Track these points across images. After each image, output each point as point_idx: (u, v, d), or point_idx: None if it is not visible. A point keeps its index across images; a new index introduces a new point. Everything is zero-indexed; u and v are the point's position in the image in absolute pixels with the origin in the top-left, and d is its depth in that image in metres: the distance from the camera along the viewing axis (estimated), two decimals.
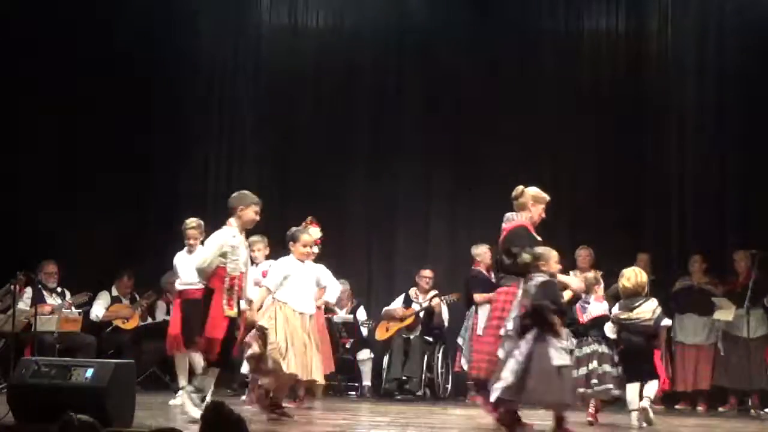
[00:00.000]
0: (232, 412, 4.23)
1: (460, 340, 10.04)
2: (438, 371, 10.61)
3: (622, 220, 10.99)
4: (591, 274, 8.73)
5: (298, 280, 7.75)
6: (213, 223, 11.70)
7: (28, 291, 9.88)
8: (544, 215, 7.54)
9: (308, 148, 11.78)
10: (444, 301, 10.64)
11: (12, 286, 9.51)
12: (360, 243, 11.64)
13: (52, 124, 11.09)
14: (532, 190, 7.52)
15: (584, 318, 8.10)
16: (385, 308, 10.94)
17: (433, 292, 10.78)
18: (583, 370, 7.84)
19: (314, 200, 11.66)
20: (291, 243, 7.92)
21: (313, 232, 8.46)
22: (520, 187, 7.53)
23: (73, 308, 10.13)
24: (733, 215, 11.03)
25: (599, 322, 8.05)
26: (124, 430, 6.55)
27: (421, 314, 10.69)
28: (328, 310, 10.99)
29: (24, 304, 9.82)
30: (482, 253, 10.26)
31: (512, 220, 7.46)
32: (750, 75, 11.08)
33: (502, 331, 7.01)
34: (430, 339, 10.72)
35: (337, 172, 11.69)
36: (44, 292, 10.09)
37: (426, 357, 10.53)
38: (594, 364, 7.91)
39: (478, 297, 9.42)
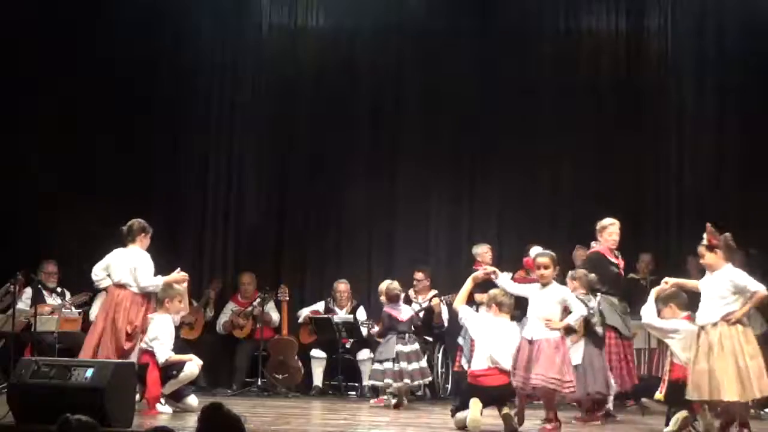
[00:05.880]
0: (230, 413, 4.24)
1: (461, 340, 10.02)
2: (438, 371, 10.61)
3: (622, 220, 10.97)
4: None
5: None
6: (212, 223, 11.84)
7: (28, 291, 9.89)
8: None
9: (308, 148, 11.79)
10: (444, 301, 10.64)
11: (12, 286, 9.53)
12: (360, 243, 11.64)
13: (52, 125, 11.09)
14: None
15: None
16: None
17: (433, 292, 10.78)
18: None
19: (314, 200, 11.71)
20: None
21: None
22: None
23: (73, 308, 10.12)
24: (732, 215, 11.02)
25: None
26: (124, 430, 6.57)
27: (421, 314, 10.68)
28: (328, 309, 11.03)
29: (24, 304, 9.83)
30: (482, 252, 10.26)
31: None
32: (749, 75, 11.09)
33: None
34: (430, 339, 10.72)
35: (337, 172, 11.70)
36: (44, 292, 10.10)
37: (426, 357, 10.51)
38: None
39: (478, 297, 9.40)
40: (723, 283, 6.97)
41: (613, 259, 8.91)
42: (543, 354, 7.19)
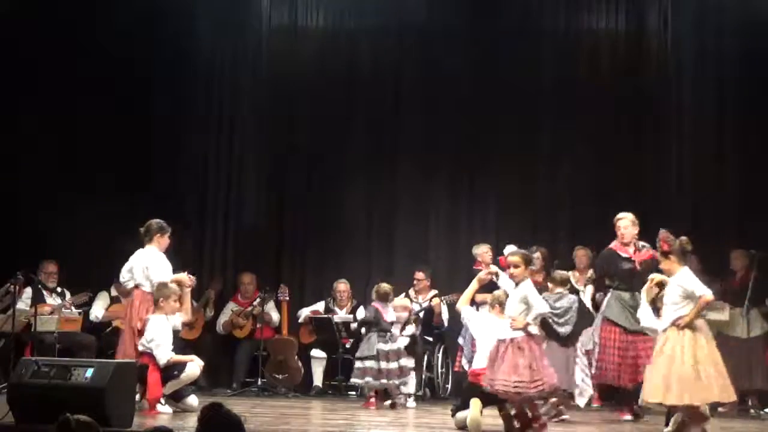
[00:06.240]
0: (229, 413, 4.24)
1: (461, 340, 10.02)
2: (438, 371, 10.61)
3: None
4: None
5: None
6: (212, 223, 11.83)
7: (28, 291, 9.89)
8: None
9: (308, 148, 11.79)
10: (444, 301, 10.64)
11: (12, 286, 9.53)
12: (360, 243, 11.64)
13: (53, 125, 11.09)
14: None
15: None
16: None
17: (433, 292, 10.78)
18: None
19: (314, 200, 11.71)
20: None
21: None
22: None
23: (73, 308, 10.13)
24: (732, 215, 11.03)
25: None
26: (124, 430, 6.57)
27: (421, 314, 10.68)
28: (328, 309, 11.04)
29: (24, 304, 9.83)
30: (482, 252, 10.25)
31: None
32: (749, 75, 11.09)
33: None
34: (430, 339, 10.73)
35: (337, 172, 11.70)
36: (44, 292, 10.10)
37: (426, 357, 10.52)
38: None
39: (479, 297, 9.41)
40: (674, 288, 6.93)
41: (626, 254, 8.78)
42: (506, 356, 7.07)
